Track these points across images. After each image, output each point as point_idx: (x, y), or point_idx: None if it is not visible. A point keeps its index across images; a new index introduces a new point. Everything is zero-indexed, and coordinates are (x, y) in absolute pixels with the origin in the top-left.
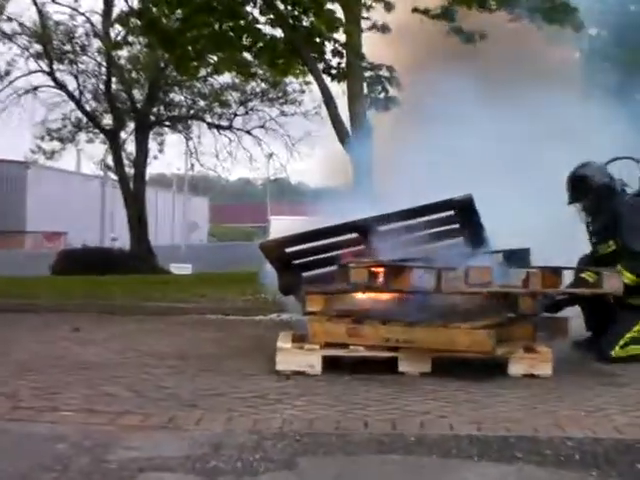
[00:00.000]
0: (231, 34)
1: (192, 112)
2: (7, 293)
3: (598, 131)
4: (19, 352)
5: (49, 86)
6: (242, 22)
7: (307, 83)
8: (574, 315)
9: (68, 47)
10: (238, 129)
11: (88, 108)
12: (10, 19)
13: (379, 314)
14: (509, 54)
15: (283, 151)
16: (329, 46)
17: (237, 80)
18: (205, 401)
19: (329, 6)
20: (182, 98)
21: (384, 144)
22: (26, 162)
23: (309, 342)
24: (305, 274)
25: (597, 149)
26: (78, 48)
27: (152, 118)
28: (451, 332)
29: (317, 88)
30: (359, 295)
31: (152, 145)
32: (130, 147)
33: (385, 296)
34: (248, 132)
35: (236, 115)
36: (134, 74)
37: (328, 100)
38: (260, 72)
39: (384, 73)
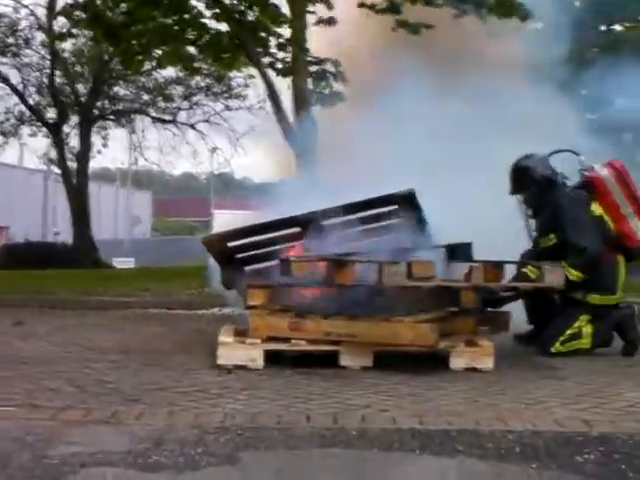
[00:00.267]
0: (176, 28)
1: (136, 106)
2: None
3: (543, 124)
4: None
5: None
6: (187, 16)
7: (251, 77)
8: (515, 309)
9: (11, 40)
10: (182, 123)
11: (31, 102)
12: None
13: (321, 308)
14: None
15: (227, 146)
16: (274, 40)
17: (181, 74)
18: (147, 396)
19: (274, 0)
20: (126, 92)
21: (328, 139)
22: None
23: (251, 336)
24: (247, 268)
25: (541, 142)
26: (21, 41)
27: (96, 112)
28: (394, 326)
29: (261, 82)
30: (301, 289)
31: (96, 139)
32: (74, 141)
33: (327, 290)
34: (192, 126)
35: (180, 109)
36: (78, 68)
37: (273, 95)
38: (204, 66)
39: (329, 68)
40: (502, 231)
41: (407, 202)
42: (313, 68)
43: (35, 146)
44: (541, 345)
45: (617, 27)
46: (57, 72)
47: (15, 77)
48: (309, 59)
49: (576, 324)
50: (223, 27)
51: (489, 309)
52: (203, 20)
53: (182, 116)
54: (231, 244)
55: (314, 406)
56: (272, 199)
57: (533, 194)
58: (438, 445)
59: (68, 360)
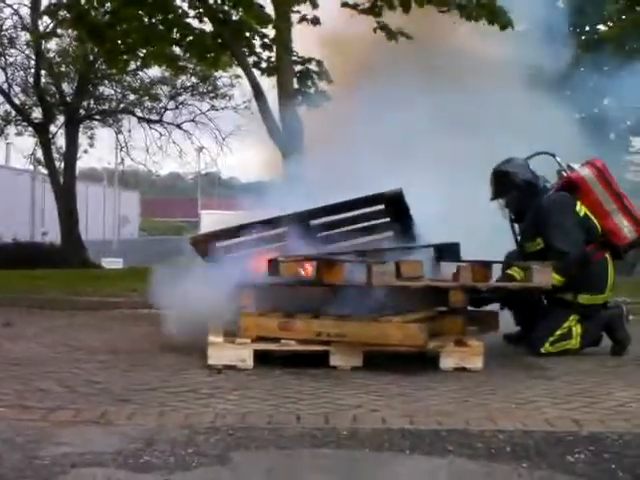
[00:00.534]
0: (161, 27)
1: (122, 106)
2: None
3: (526, 126)
4: None
5: None
6: (171, 16)
7: (237, 77)
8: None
9: None
10: (168, 123)
11: (17, 101)
12: None
13: (311, 308)
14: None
15: (213, 145)
16: (259, 40)
17: (167, 74)
18: (137, 396)
19: (259, 0)
20: (112, 92)
21: (315, 138)
22: None
23: (240, 336)
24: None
25: (524, 143)
26: (6, 41)
27: (82, 112)
28: (383, 326)
29: (247, 82)
30: (290, 289)
31: (82, 139)
32: (60, 141)
33: (316, 290)
34: (178, 126)
35: (166, 109)
36: (63, 67)
37: (258, 94)
38: (190, 66)
39: (314, 67)
40: (490, 232)
41: (395, 202)
42: (298, 67)
43: (22, 146)
44: (530, 346)
45: (601, 27)
46: (42, 72)
47: (0, 77)
48: (294, 59)
49: (565, 324)
50: (207, 27)
51: (472, 308)
52: (187, 20)
53: (168, 116)
54: (218, 244)
55: (304, 406)
56: (260, 199)
57: (514, 198)
58: (428, 445)
59: (57, 361)
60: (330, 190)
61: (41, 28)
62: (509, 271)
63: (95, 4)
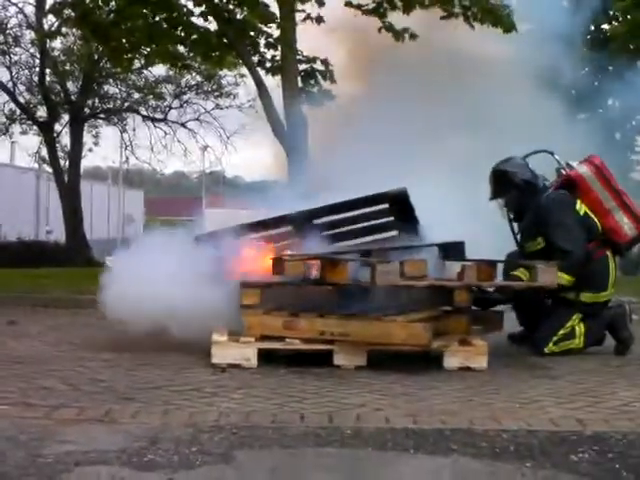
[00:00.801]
0: (165, 26)
1: (127, 105)
2: None
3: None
4: None
5: None
6: (175, 14)
7: (242, 76)
8: (507, 308)
9: (0, 38)
10: (173, 122)
11: (22, 100)
12: None
13: (315, 307)
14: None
15: (218, 144)
16: (263, 39)
17: (172, 73)
18: (141, 394)
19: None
20: (117, 90)
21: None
22: None
23: (245, 335)
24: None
25: (526, 142)
26: (11, 39)
27: (87, 110)
28: (387, 325)
29: (252, 81)
30: (295, 288)
31: (87, 138)
32: (65, 139)
33: (321, 289)
34: (183, 125)
35: (171, 108)
36: (68, 66)
37: (263, 93)
38: (194, 65)
39: (318, 66)
40: (493, 231)
41: (400, 201)
42: (302, 66)
43: (27, 145)
44: (534, 346)
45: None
46: (47, 70)
47: (5, 75)
48: (298, 58)
49: (569, 324)
50: (212, 26)
51: (479, 309)
52: (192, 18)
53: (173, 114)
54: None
55: (308, 405)
56: (264, 198)
57: (514, 198)
58: (432, 444)
59: (61, 359)
60: (335, 190)
61: (46, 27)
62: (515, 272)
63: (100, 3)
